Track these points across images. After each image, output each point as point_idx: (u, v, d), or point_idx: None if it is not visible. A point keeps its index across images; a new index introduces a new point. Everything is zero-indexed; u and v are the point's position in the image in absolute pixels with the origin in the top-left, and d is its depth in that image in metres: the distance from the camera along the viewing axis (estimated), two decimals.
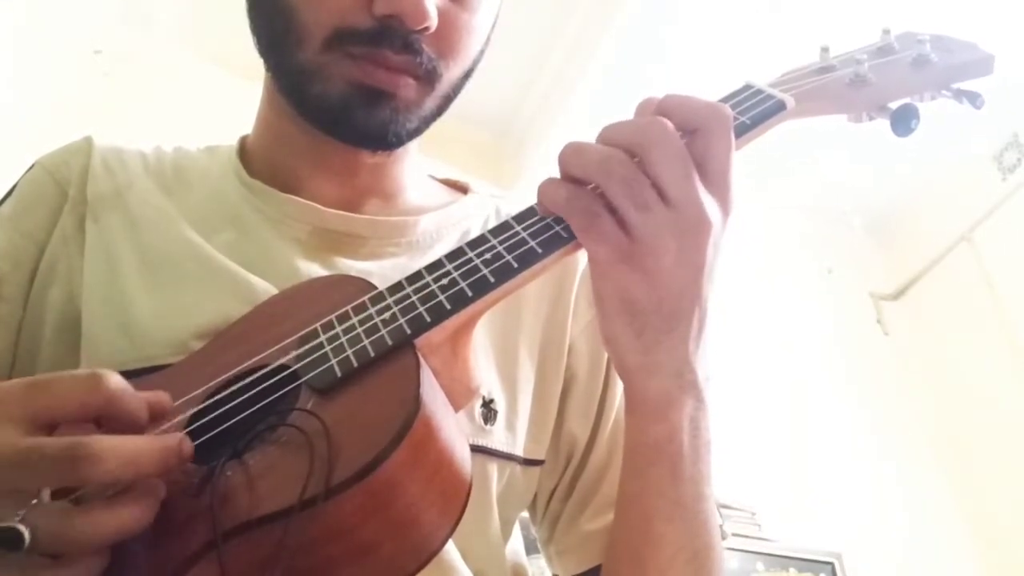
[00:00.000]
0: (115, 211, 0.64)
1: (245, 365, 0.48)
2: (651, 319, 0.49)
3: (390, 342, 0.45)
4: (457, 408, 0.48)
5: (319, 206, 0.64)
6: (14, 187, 0.66)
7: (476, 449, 0.57)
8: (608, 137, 0.50)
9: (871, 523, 2.55)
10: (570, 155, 0.50)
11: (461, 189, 0.76)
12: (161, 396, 0.44)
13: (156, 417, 0.43)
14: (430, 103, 0.63)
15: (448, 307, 0.47)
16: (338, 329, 0.48)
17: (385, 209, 0.68)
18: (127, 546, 0.38)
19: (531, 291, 0.65)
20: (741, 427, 2.30)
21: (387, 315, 0.47)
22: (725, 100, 0.56)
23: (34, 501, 0.36)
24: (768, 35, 2.40)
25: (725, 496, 2.18)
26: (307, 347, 0.47)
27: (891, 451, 2.80)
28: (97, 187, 0.65)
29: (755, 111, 0.55)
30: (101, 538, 0.37)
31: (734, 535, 2.18)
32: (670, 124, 0.49)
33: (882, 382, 2.96)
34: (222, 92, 2.21)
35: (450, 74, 0.62)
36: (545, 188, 0.50)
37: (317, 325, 0.49)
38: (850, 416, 2.80)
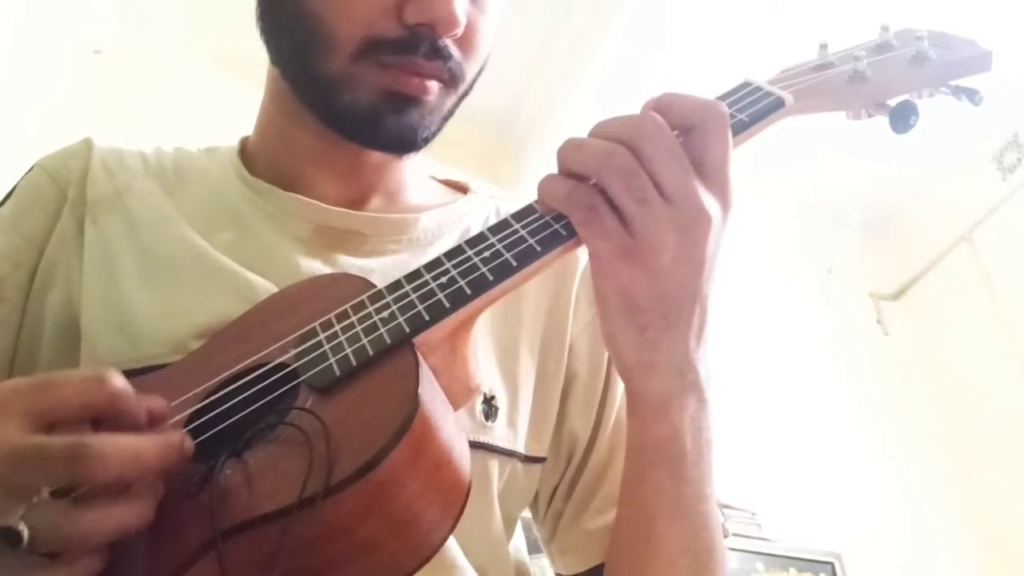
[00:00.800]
0: (115, 212, 0.64)
1: (244, 364, 0.48)
2: (651, 316, 0.49)
3: (389, 341, 0.45)
4: (456, 407, 0.48)
5: (320, 204, 0.64)
6: (13, 189, 0.66)
7: (477, 446, 0.57)
8: (601, 132, 0.50)
9: (871, 523, 2.55)
10: (569, 150, 0.50)
11: (461, 189, 0.76)
12: (158, 400, 0.44)
13: (154, 421, 0.43)
14: (450, 103, 0.63)
15: (447, 305, 0.47)
16: (337, 328, 0.48)
17: (387, 207, 0.68)
18: (127, 545, 0.38)
19: (531, 289, 0.65)
20: (741, 427, 2.30)
21: (386, 314, 0.47)
22: (724, 97, 0.56)
23: (34, 500, 0.36)
24: (767, 33, 2.41)
25: (725, 496, 2.18)
26: (306, 346, 0.47)
27: (891, 451, 2.80)
28: (97, 188, 0.65)
29: (754, 108, 0.55)
30: (100, 537, 0.37)
31: (734, 535, 2.19)
32: (662, 119, 0.48)
33: (882, 382, 2.96)
34: (222, 92, 2.22)
35: (470, 74, 0.63)
36: (545, 184, 0.50)
37: (316, 324, 0.49)
38: (850, 416, 2.80)
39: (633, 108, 0.52)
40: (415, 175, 0.72)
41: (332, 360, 0.45)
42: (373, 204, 0.68)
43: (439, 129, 0.64)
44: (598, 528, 0.63)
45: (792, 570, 2.28)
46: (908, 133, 0.58)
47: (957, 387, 2.96)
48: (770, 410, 2.63)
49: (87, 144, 0.68)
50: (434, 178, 0.77)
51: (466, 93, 0.65)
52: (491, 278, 0.47)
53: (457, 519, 0.43)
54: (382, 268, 0.61)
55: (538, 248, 0.48)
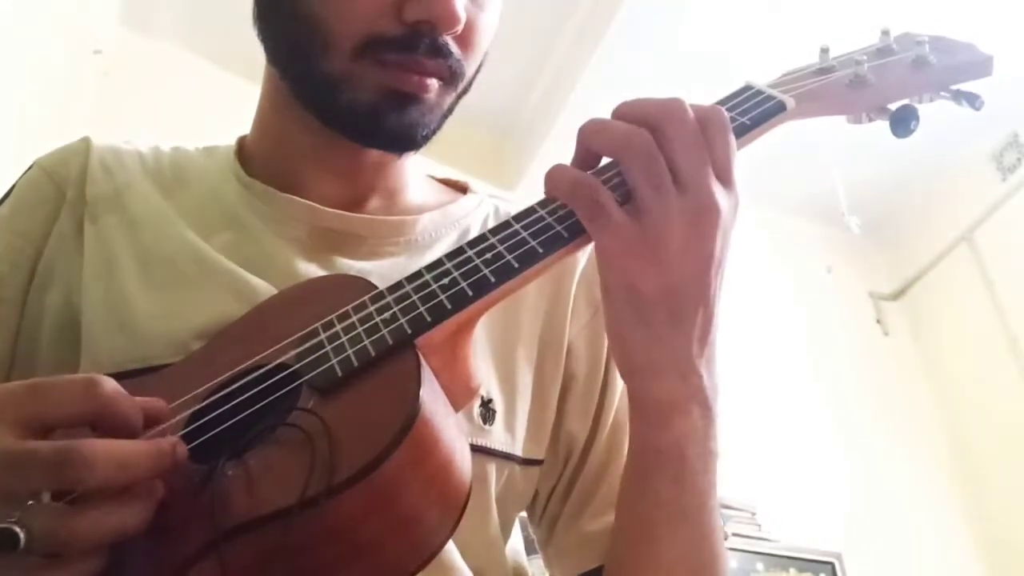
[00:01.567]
0: (113, 212, 0.64)
1: (245, 364, 0.48)
2: (657, 310, 0.49)
3: (391, 342, 0.45)
4: (457, 408, 0.48)
5: (317, 205, 0.64)
6: (12, 188, 0.66)
7: (475, 449, 0.57)
8: (625, 112, 0.50)
9: (871, 523, 2.55)
10: (592, 130, 0.50)
11: (460, 189, 0.76)
12: (156, 402, 0.44)
13: (151, 422, 0.43)
14: (450, 101, 0.63)
15: (449, 307, 0.47)
16: (338, 328, 0.48)
17: (385, 208, 0.68)
18: (127, 546, 0.38)
19: (529, 291, 0.65)
20: (741, 427, 2.30)
21: (387, 315, 0.47)
22: (725, 101, 0.56)
23: (30, 502, 0.36)
24: (768, 37, 2.41)
25: (725, 496, 2.18)
26: (307, 346, 0.47)
27: (891, 451, 2.80)
28: (95, 188, 0.65)
29: (755, 112, 0.55)
30: (98, 538, 0.37)
31: (734, 535, 2.19)
32: (688, 105, 0.49)
33: (882, 382, 2.97)
34: (222, 92, 2.22)
35: (469, 72, 0.63)
36: (553, 173, 0.50)
37: (317, 324, 0.49)
38: (850, 416, 2.81)
39: None
40: (414, 175, 0.72)
41: (334, 361, 0.45)
42: (372, 204, 0.68)
43: (439, 127, 0.64)
44: (596, 530, 0.63)
45: (792, 570, 2.28)
46: (909, 137, 0.58)
47: (957, 387, 2.96)
48: (770, 410, 2.64)
49: (85, 143, 0.68)
50: (433, 177, 0.77)
51: (465, 91, 0.65)
52: (493, 280, 0.47)
53: (458, 520, 0.43)
54: (379, 270, 0.61)
55: (540, 250, 0.48)
